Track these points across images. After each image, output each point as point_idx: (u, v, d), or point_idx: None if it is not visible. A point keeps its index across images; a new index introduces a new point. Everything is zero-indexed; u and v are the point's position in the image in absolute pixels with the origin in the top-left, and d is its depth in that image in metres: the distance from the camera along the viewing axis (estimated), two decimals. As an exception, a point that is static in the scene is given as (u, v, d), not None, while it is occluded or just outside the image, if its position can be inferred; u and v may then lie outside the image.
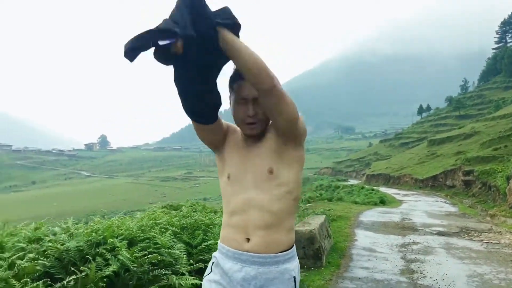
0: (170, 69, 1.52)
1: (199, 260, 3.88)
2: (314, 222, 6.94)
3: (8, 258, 3.34)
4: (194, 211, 6.26)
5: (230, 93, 1.83)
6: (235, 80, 1.78)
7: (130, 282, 3.22)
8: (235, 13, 1.46)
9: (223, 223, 1.88)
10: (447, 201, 21.82)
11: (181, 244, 3.97)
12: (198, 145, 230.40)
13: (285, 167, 1.77)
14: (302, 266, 5.64)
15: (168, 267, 3.42)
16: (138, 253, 3.34)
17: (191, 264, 3.65)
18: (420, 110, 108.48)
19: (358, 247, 7.74)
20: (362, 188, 30.02)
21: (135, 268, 3.26)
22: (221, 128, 1.85)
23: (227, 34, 1.46)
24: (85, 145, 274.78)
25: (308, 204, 13.94)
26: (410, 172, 40.33)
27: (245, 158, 1.82)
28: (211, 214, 6.14)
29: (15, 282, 2.99)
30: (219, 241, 1.87)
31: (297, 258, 1.84)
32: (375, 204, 19.39)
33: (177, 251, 3.64)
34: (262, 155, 1.78)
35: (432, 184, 32.34)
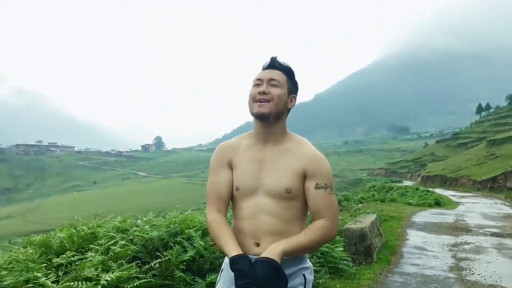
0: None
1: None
2: (365, 221, 7.31)
3: (103, 244, 4.00)
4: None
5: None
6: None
7: (204, 266, 3.79)
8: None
9: (232, 227, 1.86)
10: (507, 203, 21.25)
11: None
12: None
13: (303, 190, 1.78)
14: (353, 261, 6.04)
15: (235, 255, 3.96)
16: (210, 242, 3.91)
17: (254, 254, 4.18)
18: (479, 109, 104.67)
19: (409, 246, 8.01)
20: (417, 189, 29.58)
21: (208, 255, 3.83)
22: (229, 183, 1.86)
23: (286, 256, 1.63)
24: (142, 146, 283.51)
25: (360, 205, 14.17)
26: (468, 173, 39.28)
27: (258, 171, 1.79)
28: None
29: (111, 263, 3.63)
30: None
31: (309, 262, 1.84)
32: (430, 206, 19.22)
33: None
34: (280, 175, 1.76)
35: (491, 186, 31.40)
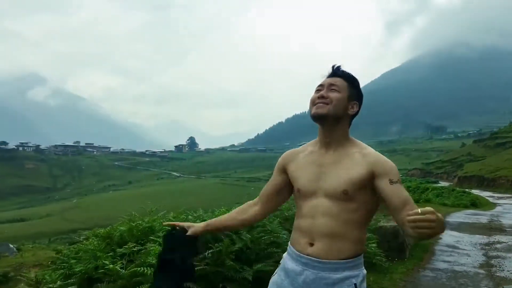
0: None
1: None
2: (398, 219, 7.60)
3: (161, 236, 4.51)
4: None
5: None
6: None
7: (251, 257, 4.25)
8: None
9: (293, 226, 1.92)
10: (546, 205, 20.87)
11: (285, 231, 4.94)
12: (282, 146, 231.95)
13: (362, 193, 1.76)
14: (386, 257, 6.37)
15: (278, 247, 4.40)
16: (257, 235, 4.37)
17: (295, 247, 4.63)
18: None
19: (441, 244, 8.26)
20: (453, 190, 29.24)
21: (254, 246, 4.30)
22: (283, 184, 1.99)
23: None
24: (175, 147, 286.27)
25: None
26: (507, 174, 38.51)
27: (318, 174, 1.82)
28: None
29: (169, 253, 4.14)
30: (289, 243, 1.92)
31: (363, 268, 1.80)
32: (466, 207, 19.13)
33: (284, 236, 4.62)
34: (339, 178, 1.76)
35: (531, 187, 30.69)
